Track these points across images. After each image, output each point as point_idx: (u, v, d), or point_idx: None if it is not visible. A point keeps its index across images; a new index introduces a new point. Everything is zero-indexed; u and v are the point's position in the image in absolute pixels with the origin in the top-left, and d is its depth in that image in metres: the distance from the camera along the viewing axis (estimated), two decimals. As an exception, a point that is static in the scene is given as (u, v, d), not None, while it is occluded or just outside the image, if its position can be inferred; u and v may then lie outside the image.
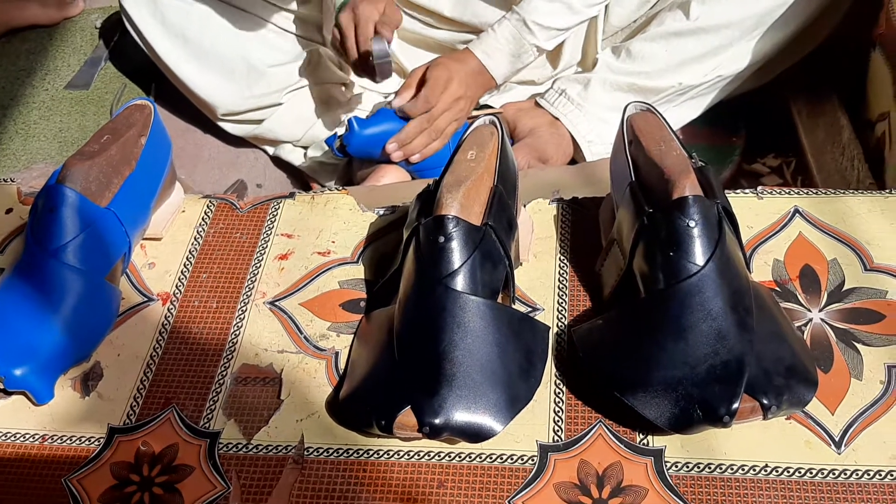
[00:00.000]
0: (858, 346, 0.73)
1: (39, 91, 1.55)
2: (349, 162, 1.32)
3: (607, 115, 1.27)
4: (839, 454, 0.67)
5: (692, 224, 0.70)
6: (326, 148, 1.29)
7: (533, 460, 0.70)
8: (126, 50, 1.44)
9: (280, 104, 1.35)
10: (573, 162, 1.30)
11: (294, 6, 1.39)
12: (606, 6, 1.30)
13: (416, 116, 1.20)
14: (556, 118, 1.29)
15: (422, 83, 1.22)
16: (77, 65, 1.59)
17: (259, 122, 1.36)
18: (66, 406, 0.78)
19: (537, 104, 1.33)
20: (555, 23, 1.19)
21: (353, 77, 1.41)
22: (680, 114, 1.28)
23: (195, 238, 0.90)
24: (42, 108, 1.52)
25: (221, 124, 1.40)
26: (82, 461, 0.73)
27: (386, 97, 1.45)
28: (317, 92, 1.38)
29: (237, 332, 0.81)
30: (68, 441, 0.75)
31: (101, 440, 0.75)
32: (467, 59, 1.23)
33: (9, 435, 0.76)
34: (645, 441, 0.70)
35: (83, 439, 0.75)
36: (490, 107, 1.36)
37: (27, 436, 0.76)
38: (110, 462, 0.73)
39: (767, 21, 1.19)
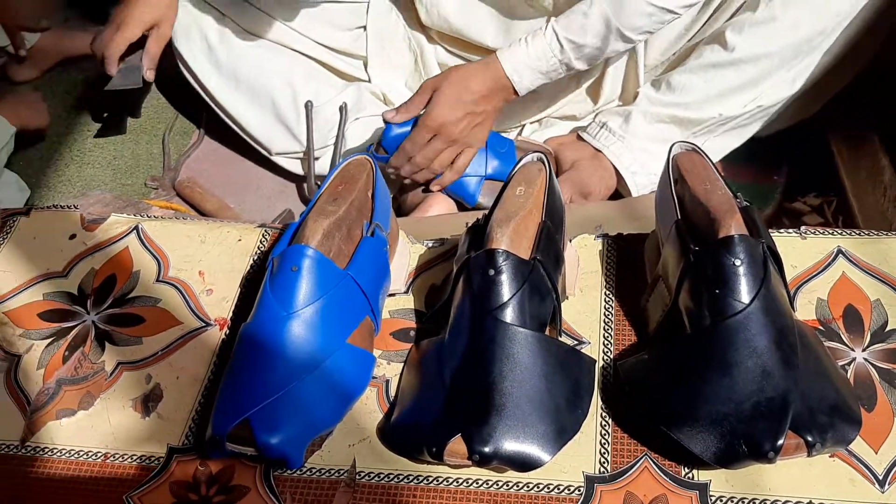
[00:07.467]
0: (902, 386, 0.75)
1: (93, 120, 1.60)
2: (399, 190, 1.35)
3: (649, 145, 1.28)
4: (883, 493, 0.69)
5: (738, 262, 0.72)
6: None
7: (579, 490, 0.72)
8: (176, 79, 1.49)
9: (329, 145, 1.39)
10: (616, 194, 1.32)
11: (338, 44, 1.43)
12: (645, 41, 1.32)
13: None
14: (599, 150, 1.31)
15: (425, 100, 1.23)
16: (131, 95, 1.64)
17: (316, 159, 1.40)
18: (128, 426, 0.80)
19: (579, 137, 1.35)
20: (588, 41, 1.17)
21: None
22: (722, 143, 1.29)
23: (251, 266, 0.93)
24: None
25: (276, 159, 1.44)
26: (143, 479, 0.76)
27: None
28: (364, 125, 1.41)
29: (291, 358, 0.84)
30: (129, 460, 0.78)
31: (161, 459, 0.77)
32: (490, 70, 1.21)
33: (73, 452, 0.79)
34: (690, 475, 0.71)
35: (143, 458, 0.78)
36: (528, 141, 1.38)
37: (90, 453, 0.79)
38: (170, 481, 0.76)
39: (805, 50, 1.20)
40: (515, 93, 1.22)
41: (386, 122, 1.24)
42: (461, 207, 1.32)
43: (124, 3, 1.32)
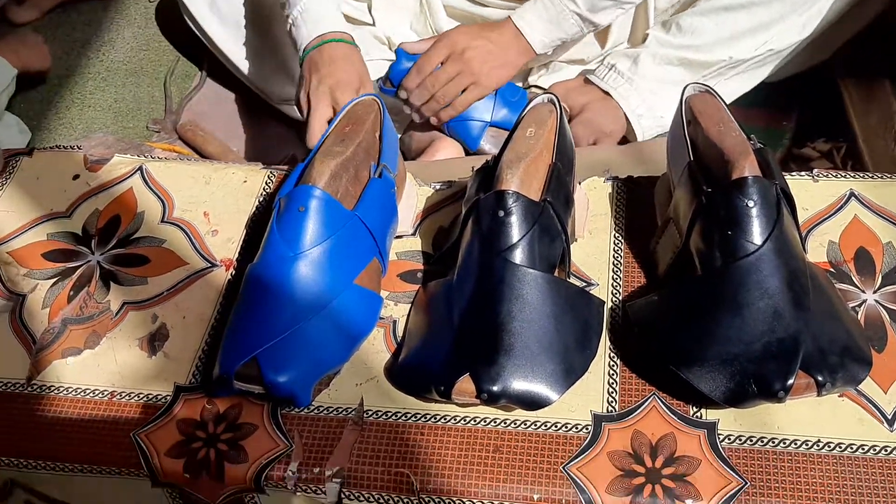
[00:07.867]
0: (912, 327, 0.74)
1: (95, 62, 1.58)
2: (403, 132, 1.33)
3: (658, 88, 1.27)
4: (891, 432, 0.69)
5: (751, 204, 0.71)
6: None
7: (587, 429, 0.72)
8: (178, 22, 1.46)
9: None
10: (622, 138, 1.31)
11: None
12: None
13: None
14: (607, 93, 1.29)
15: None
16: (132, 38, 1.62)
17: None
18: (134, 364, 0.80)
19: (587, 80, 1.33)
20: None
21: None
22: (732, 87, 1.27)
23: (256, 207, 0.92)
24: (97, 78, 1.56)
25: (279, 107, 1.42)
26: (150, 417, 0.76)
27: None
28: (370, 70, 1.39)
29: (298, 299, 0.83)
30: (136, 398, 0.78)
31: (168, 398, 0.77)
32: (504, 26, 1.21)
33: (79, 390, 0.79)
34: (698, 414, 0.71)
35: (150, 396, 0.78)
36: (539, 87, 1.37)
37: (96, 391, 0.79)
38: (177, 419, 0.76)
39: None
40: (532, 50, 1.21)
41: (399, 52, 1.22)
42: (469, 153, 1.31)
43: (316, 75, 1.13)
